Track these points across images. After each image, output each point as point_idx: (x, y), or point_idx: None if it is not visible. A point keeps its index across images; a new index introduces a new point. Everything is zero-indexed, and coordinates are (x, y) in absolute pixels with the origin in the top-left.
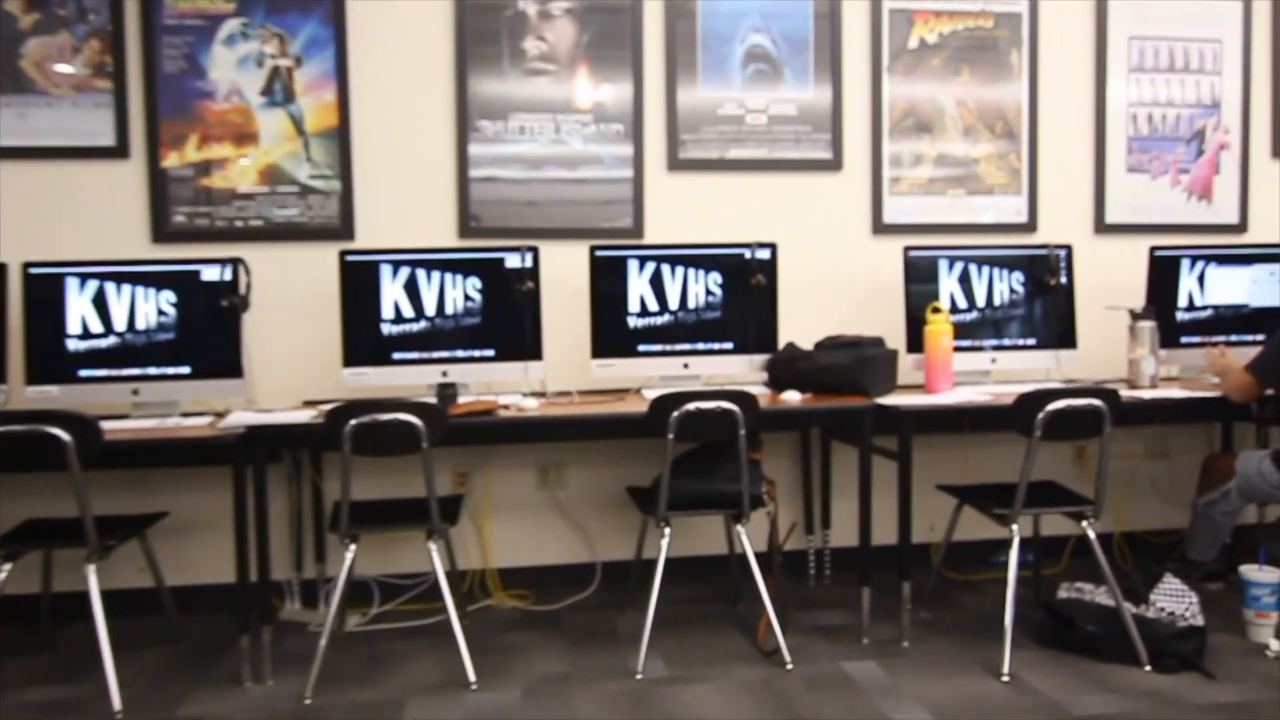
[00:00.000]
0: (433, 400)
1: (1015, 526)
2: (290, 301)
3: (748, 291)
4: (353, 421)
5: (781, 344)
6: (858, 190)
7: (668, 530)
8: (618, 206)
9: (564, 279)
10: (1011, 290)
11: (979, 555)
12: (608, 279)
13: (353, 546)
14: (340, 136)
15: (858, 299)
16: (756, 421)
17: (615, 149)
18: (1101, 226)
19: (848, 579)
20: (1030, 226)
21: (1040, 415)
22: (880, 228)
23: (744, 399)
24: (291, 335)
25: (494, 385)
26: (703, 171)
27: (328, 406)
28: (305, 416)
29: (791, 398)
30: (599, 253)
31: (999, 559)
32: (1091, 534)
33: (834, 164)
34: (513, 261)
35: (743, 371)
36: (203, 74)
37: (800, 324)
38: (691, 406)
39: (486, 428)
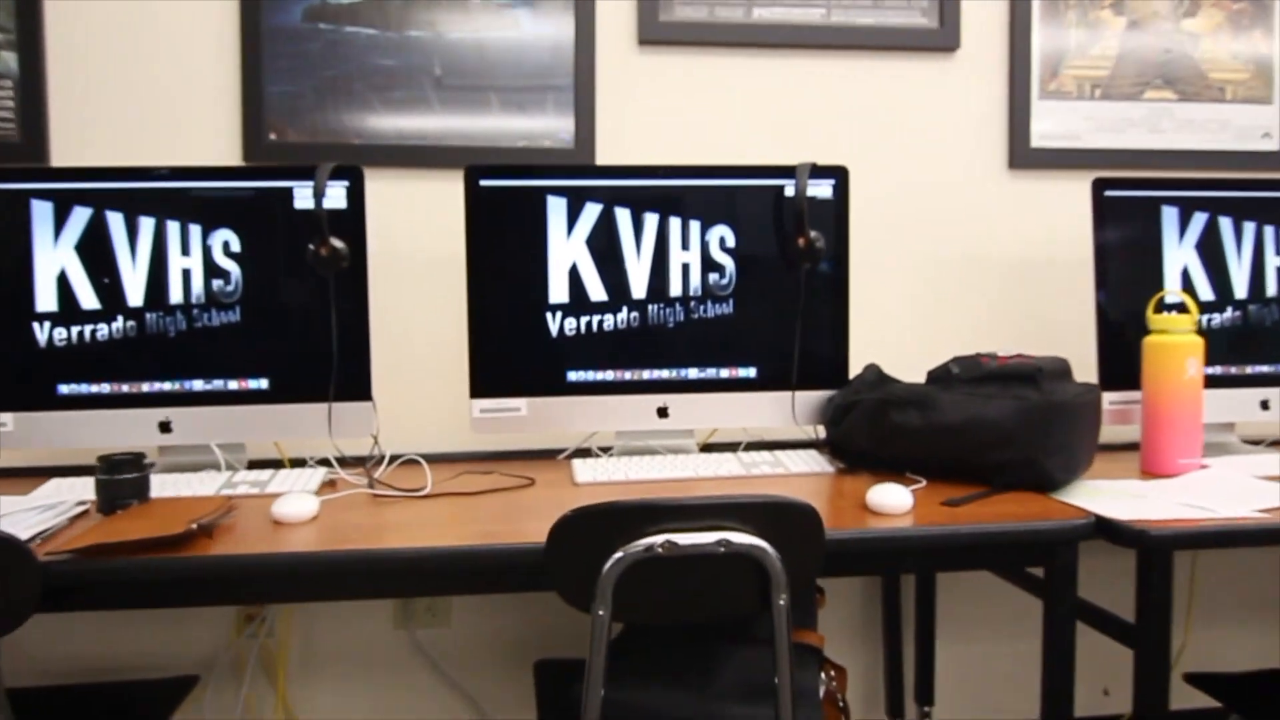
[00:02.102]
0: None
1: None
2: None
3: (788, 265)
4: None
5: (856, 369)
6: (985, 88)
7: None
8: (546, 108)
9: (425, 240)
10: None
11: None
12: (503, 237)
13: None
14: None
15: (987, 284)
16: (815, 569)
17: (542, 4)
18: None
19: None
20: None
21: None
22: (1024, 155)
23: (783, 516)
24: None
25: (284, 445)
26: (703, 49)
27: None
28: None
29: (894, 501)
30: (486, 182)
31: None
32: None
33: (943, 40)
34: (304, 199)
35: (775, 422)
36: None
37: (884, 330)
38: (657, 542)
39: (133, 581)
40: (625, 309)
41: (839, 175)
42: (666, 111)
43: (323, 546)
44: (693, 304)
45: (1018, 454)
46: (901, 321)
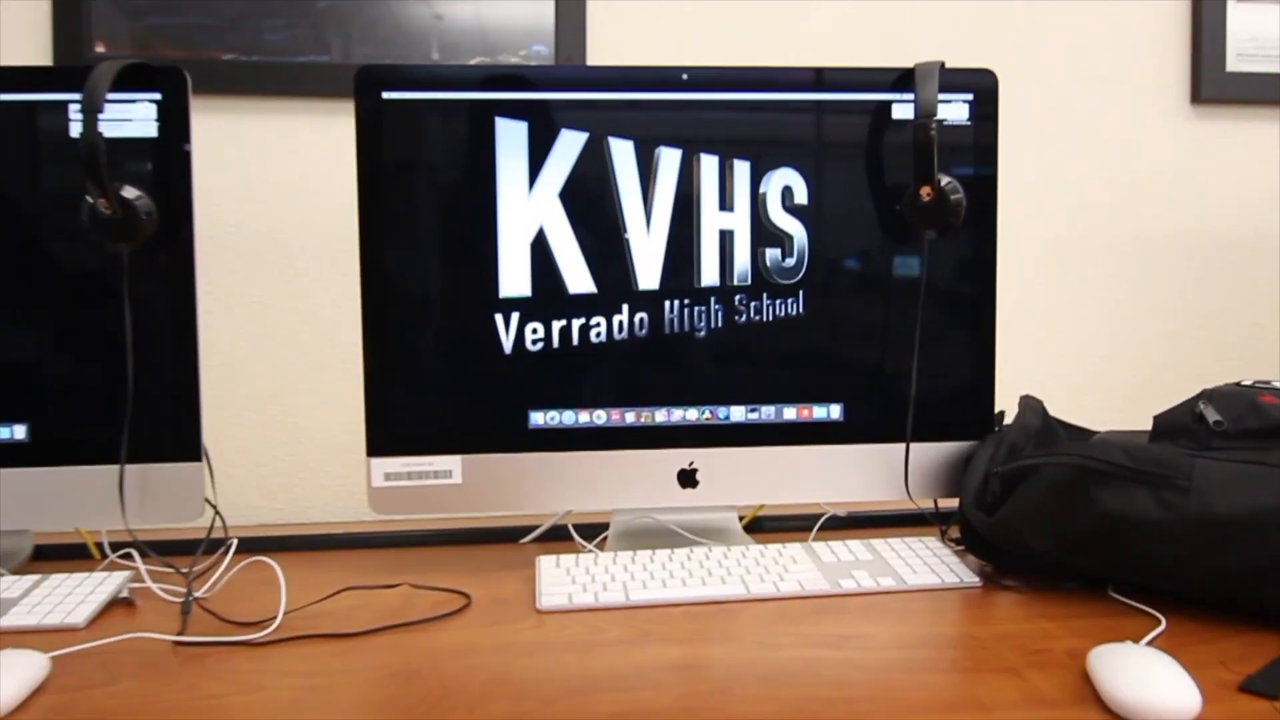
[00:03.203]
0: None
1: None
2: None
3: (899, 234)
4: None
5: (1003, 402)
6: None
7: None
8: (512, 5)
9: (319, 201)
10: None
11: None
12: (420, 188)
13: None
14: None
15: (1164, 270)
16: None
17: None
18: None
19: None
20: None
21: None
22: (1216, 83)
23: None
24: None
25: (81, 527)
26: None
27: None
28: None
29: (1167, 700)
30: (392, 96)
31: None
32: None
33: None
34: (66, 123)
35: (874, 493)
36: None
37: (1025, 343)
38: None
39: None
40: (626, 308)
41: (981, 86)
42: (694, 12)
43: None
44: (739, 300)
45: None
46: (1044, 328)
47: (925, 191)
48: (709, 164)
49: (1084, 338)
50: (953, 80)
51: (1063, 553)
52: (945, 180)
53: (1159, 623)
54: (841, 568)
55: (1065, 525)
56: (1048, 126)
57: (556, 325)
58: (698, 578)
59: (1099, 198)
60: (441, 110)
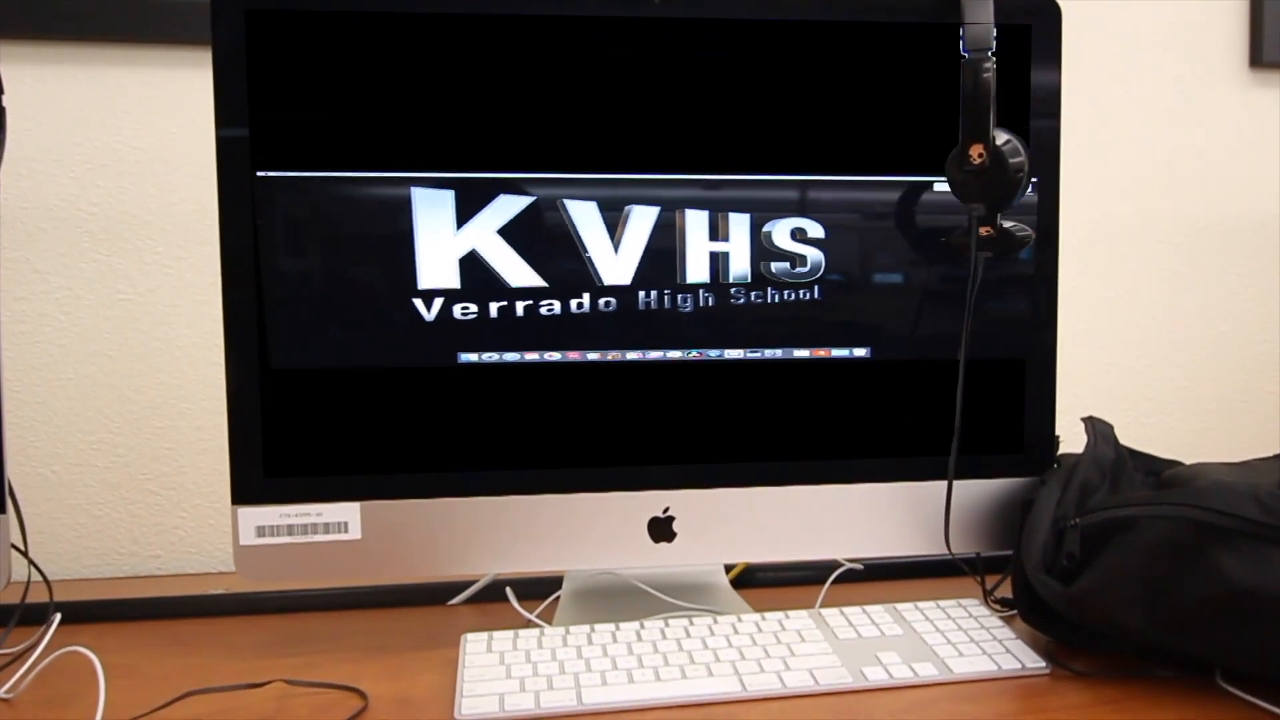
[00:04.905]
0: None
1: None
2: None
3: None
4: None
5: (1066, 424)
6: None
7: None
8: None
9: (196, 177)
10: None
11: None
12: (294, 135)
13: None
14: None
15: (1209, 259)
16: None
17: None
18: None
19: None
20: None
21: None
22: (1278, 46)
23: None
24: None
25: None
26: None
27: None
28: None
29: None
30: (260, 4)
31: None
32: None
33: None
34: None
35: (903, 546)
36: None
37: (1060, 339)
38: None
39: None
40: (587, 297)
41: (1040, 16)
42: None
43: None
44: (734, 291)
45: None
46: (1078, 330)
47: (976, 152)
48: (694, 65)
49: (1124, 341)
50: (1003, 9)
51: (1162, 633)
52: (1003, 138)
53: None
54: (864, 648)
55: (1170, 599)
56: (1081, 96)
57: (485, 311)
58: (676, 666)
59: (1140, 176)
60: (341, 27)
